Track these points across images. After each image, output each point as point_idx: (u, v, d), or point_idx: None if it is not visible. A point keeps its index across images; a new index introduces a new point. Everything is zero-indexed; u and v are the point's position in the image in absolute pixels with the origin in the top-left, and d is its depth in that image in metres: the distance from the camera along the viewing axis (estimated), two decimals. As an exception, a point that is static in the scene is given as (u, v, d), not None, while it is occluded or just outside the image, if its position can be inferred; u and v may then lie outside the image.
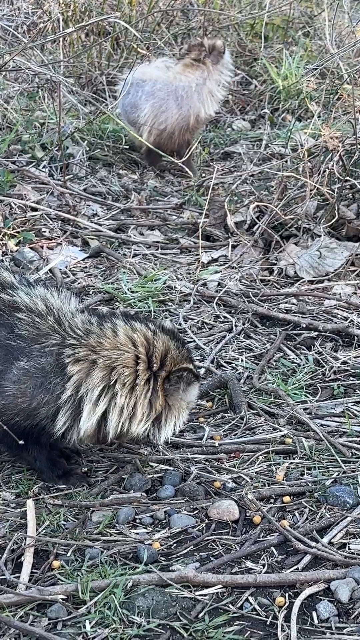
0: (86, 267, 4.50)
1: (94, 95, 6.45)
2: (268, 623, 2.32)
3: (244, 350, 3.73)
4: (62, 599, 2.35)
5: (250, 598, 2.40)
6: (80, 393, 2.70)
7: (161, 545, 2.61)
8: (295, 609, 2.33)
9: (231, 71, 5.95)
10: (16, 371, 2.71)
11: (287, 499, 2.78)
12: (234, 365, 3.60)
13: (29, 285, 2.87)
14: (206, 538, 2.64)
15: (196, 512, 2.76)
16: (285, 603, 2.37)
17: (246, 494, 2.77)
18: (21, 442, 2.64)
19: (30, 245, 4.54)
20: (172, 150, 5.78)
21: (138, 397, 2.73)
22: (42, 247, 4.55)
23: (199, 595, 2.40)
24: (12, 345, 2.73)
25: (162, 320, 3.28)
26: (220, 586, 2.43)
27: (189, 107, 5.65)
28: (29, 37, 6.09)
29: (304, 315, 3.95)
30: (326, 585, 2.43)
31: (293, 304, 4.09)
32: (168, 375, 2.77)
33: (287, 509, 2.76)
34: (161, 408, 2.78)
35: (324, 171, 4.51)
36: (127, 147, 6.00)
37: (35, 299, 2.80)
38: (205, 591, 2.41)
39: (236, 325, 3.89)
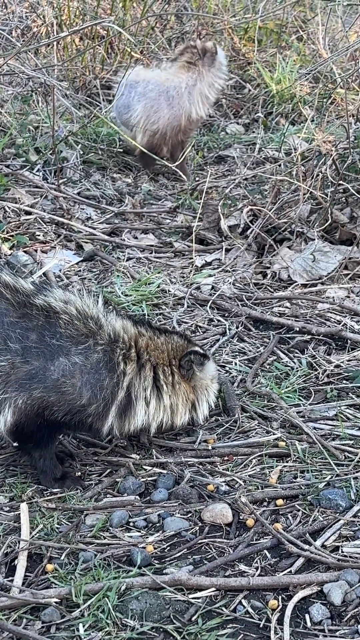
0: (80, 270, 4.50)
1: (88, 98, 6.46)
2: (261, 626, 2.32)
3: (237, 353, 3.74)
4: (56, 602, 2.35)
5: (243, 601, 2.41)
6: (133, 393, 2.85)
7: (155, 548, 2.61)
8: (288, 612, 2.34)
9: (225, 74, 5.95)
10: (65, 367, 2.77)
11: (280, 502, 2.79)
12: (227, 368, 3.61)
13: (50, 290, 2.92)
14: (199, 541, 2.64)
15: (190, 515, 2.76)
16: (278, 606, 2.37)
17: (239, 497, 2.78)
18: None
19: (24, 249, 4.54)
20: (167, 152, 5.79)
21: (177, 393, 2.94)
22: (36, 250, 4.55)
23: (192, 598, 2.40)
24: (53, 344, 2.77)
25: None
26: (213, 589, 2.43)
27: (179, 107, 5.66)
28: (23, 41, 6.10)
29: (297, 319, 3.96)
30: (319, 588, 2.43)
31: (286, 307, 4.10)
32: (180, 364, 2.97)
33: (281, 512, 2.77)
34: (193, 395, 2.99)
35: (318, 175, 4.53)
36: (121, 150, 6.02)
37: (66, 303, 2.86)
38: (198, 594, 2.41)
39: (230, 329, 3.89)
